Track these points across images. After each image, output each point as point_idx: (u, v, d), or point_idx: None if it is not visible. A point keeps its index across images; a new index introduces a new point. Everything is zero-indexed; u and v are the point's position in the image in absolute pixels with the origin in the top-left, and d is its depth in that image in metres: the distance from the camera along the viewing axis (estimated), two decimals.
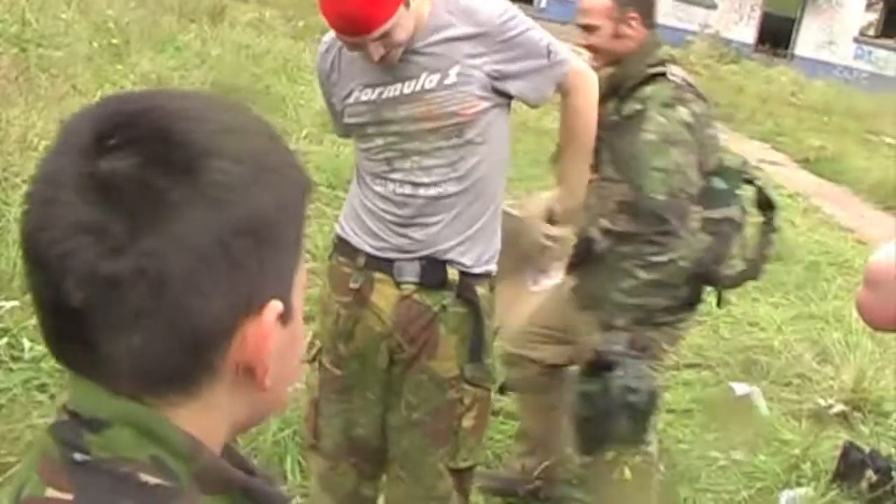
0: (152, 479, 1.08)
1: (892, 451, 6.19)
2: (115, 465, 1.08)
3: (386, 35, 3.09)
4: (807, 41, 41.70)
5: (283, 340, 1.16)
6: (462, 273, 3.44)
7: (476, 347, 3.51)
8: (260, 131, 1.16)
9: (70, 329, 1.07)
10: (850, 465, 5.83)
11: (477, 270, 3.48)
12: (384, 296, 3.45)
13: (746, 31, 41.11)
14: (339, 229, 3.62)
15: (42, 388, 4.88)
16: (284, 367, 1.20)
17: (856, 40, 41.90)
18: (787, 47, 41.46)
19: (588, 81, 3.52)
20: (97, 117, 1.09)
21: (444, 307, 3.45)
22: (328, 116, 3.73)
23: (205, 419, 1.14)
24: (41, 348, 4.97)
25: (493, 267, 3.56)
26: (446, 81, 3.28)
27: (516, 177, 10.38)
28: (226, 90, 11.17)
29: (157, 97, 1.14)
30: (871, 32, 42.37)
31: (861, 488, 5.64)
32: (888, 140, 22.03)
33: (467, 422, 3.57)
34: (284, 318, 1.16)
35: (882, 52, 41.58)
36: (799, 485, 5.74)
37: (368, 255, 3.50)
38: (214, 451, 1.16)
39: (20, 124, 8.02)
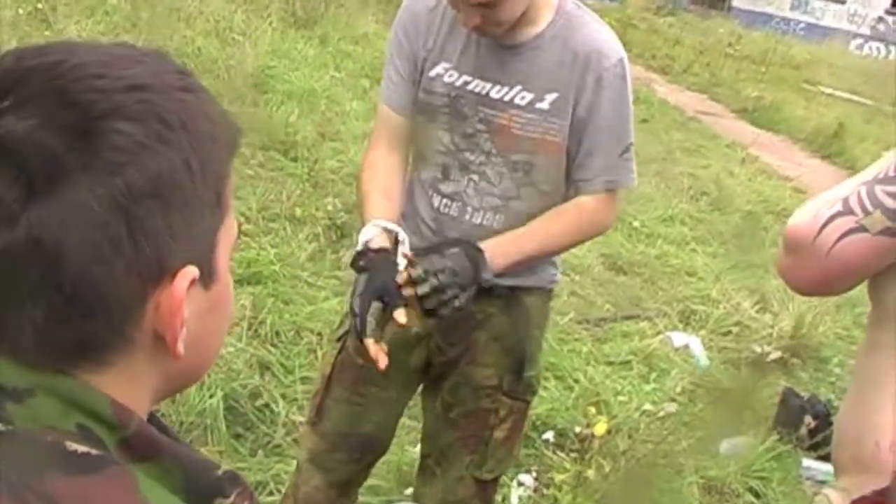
0: (80, 448, 1.02)
1: (832, 396, 6.22)
2: (40, 435, 1.02)
3: (490, 5, 2.83)
4: None
5: (203, 305, 1.12)
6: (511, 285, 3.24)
7: (519, 359, 3.31)
8: (170, 83, 1.08)
9: None
10: (789, 412, 5.86)
11: (528, 284, 3.28)
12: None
13: None
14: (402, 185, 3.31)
15: None
16: (206, 332, 1.16)
17: None
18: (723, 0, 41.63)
19: (611, 220, 3.20)
20: None
21: (488, 315, 3.24)
22: (384, 76, 3.28)
23: (126, 387, 1.09)
24: None
25: (548, 280, 3.34)
26: (539, 105, 3.03)
27: None
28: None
29: (58, 51, 1.06)
30: None
31: (801, 434, 5.66)
32: (825, 89, 22.20)
33: (499, 433, 3.37)
34: (205, 281, 1.11)
35: (818, 3, 41.88)
36: (739, 433, 5.75)
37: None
38: (139, 416, 1.10)
39: None
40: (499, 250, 2.98)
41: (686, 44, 25.07)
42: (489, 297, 3.14)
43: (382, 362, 2.84)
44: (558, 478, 4.48)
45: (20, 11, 11.38)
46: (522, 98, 3.00)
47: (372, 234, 2.99)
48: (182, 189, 1.06)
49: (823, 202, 2.07)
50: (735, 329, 7.30)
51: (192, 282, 1.08)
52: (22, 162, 0.97)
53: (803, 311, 7.16)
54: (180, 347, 1.09)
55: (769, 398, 6.10)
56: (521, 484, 4.79)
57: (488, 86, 3.03)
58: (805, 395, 6.03)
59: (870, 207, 1.98)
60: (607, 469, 4.60)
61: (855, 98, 22.04)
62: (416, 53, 3.13)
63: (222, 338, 1.24)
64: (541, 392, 5.66)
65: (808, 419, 5.64)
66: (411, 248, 2.98)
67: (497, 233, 3.05)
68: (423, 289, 2.85)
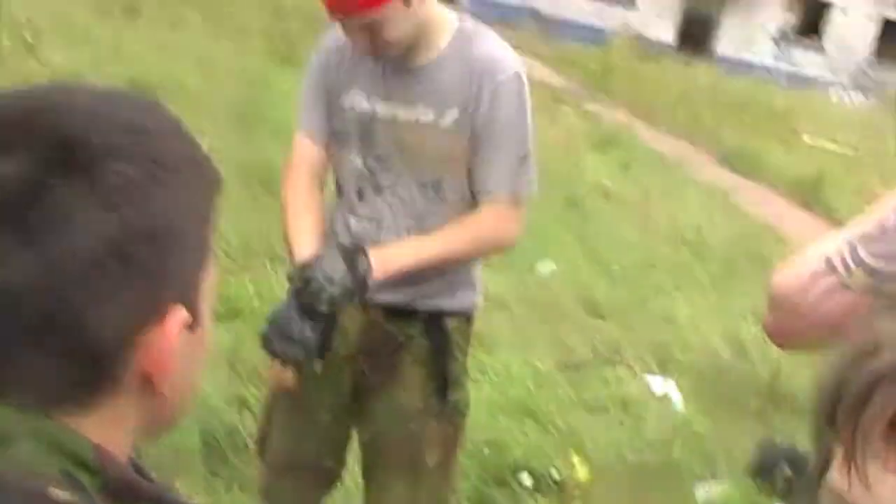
0: (62, 495, 1.01)
1: (808, 446, 6.21)
2: (24, 481, 1.01)
3: (374, 26, 2.94)
4: (727, 40, 42.22)
5: (188, 347, 1.11)
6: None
7: (443, 381, 3.35)
8: (163, 129, 1.10)
9: None
10: (765, 460, 5.85)
11: (449, 307, 3.34)
12: (352, 317, 3.27)
13: (667, 30, 41.47)
14: (321, 214, 3.40)
15: None
16: (189, 374, 1.16)
17: (775, 40, 42.45)
18: (707, 46, 41.89)
19: (514, 231, 3.24)
20: None
21: (410, 337, 3.30)
22: (298, 108, 3.40)
23: (109, 430, 1.08)
24: None
25: (469, 304, 3.40)
26: (441, 122, 3.13)
27: None
28: (141, 86, 11.05)
29: (54, 93, 1.08)
30: (791, 32, 42.95)
31: (777, 483, 5.65)
32: (806, 138, 22.29)
33: (430, 459, 3.41)
34: (191, 324, 1.11)
35: (800, 52, 42.20)
36: (715, 480, 5.74)
37: None
38: (121, 461, 1.10)
39: None
40: (389, 253, 3.08)
41: (669, 90, 25.19)
42: (410, 320, 3.27)
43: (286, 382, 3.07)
44: None
45: (6, 42, 11.40)
46: (427, 116, 3.12)
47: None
48: (174, 231, 1.06)
49: (808, 259, 2.07)
50: (713, 375, 7.30)
51: (183, 323, 1.08)
52: (18, 202, 0.97)
53: (781, 359, 7.16)
54: (167, 389, 1.10)
55: (746, 446, 6.09)
56: None
57: (395, 108, 3.15)
58: (782, 443, 6.02)
59: (852, 266, 1.98)
60: None
61: (835, 147, 22.15)
62: (328, 84, 3.27)
63: (199, 380, 1.23)
64: (518, 435, 5.68)
65: (784, 468, 5.62)
66: None
67: None
68: (295, 285, 2.99)
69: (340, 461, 3.57)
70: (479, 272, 3.44)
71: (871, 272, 1.96)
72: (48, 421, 1.04)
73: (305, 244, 3.18)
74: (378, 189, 3.24)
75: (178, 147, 1.10)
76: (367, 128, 3.20)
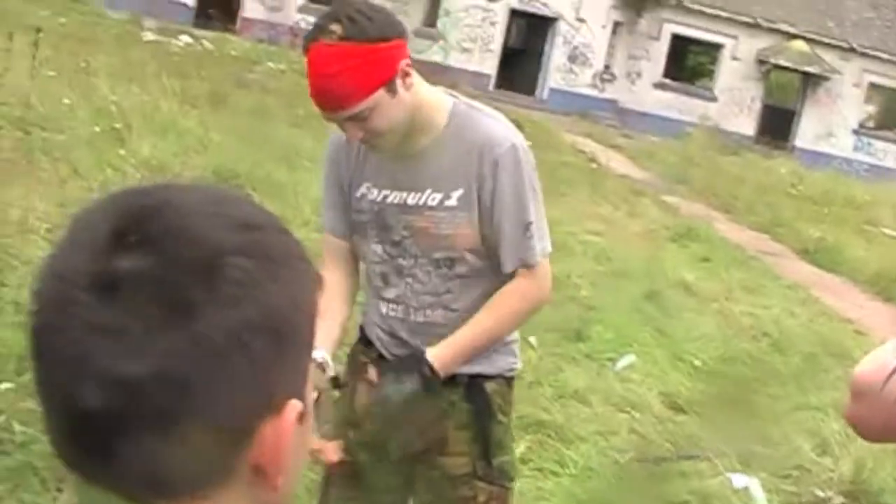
0: None
1: None
2: None
3: (361, 117, 3.04)
4: (806, 133, 42.04)
5: (297, 439, 1.12)
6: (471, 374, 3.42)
7: (487, 445, 3.45)
8: (271, 225, 1.12)
9: (83, 432, 1.03)
10: None
11: (487, 372, 3.46)
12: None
13: (747, 123, 41.37)
14: (361, 317, 3.60)
15: (35, 471, 4.85)
16: (297, 464, 1.17)
17: (854, 132, 42.23)
18: (787, 139, 41.71)
19: (540, 291, 3.39)
20: (111, 213, 1.06)
21: (452, 403, 3.41)
22: (322, 206, 3.60)
23: None
24: (33, 431, 4.95)
25: (507, 367, 3.53)
26: (447, 203, 3.25)
27: None
28: (226, 176, 11.21)
29: (169, 191, 1.11)
30: (870, 124, 42.71)
31: None
32: (886, 231, 22.07)
33: None
34: (301, 416, 1.12)
35: (881, 144, 41.92)
36: None
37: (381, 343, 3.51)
38: None
39: (20, 206, 8.05)
40: (445, 353, 3.26)
41: (748, 183, 25.08)
42: (451, 386, 3.36)
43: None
44: None
45: (97, 129, 11.61)
46: (433, 199, 3.25)
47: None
48: (291, 324, 1.09)
49: (889, 350, 2.11)
50: (795, 472, 7.22)
51: (298, 416, 1.10)
52: (146, 296, 1.00)
53: (864, 455, 7.08)
54: (281, 481, 1.10)
55: None
56: None
57: (404, 194, 3.28)
58: None
59: None
60: None
61: None
62: (341, 180, 3.42)
63: (301, 471, 1.24)
64: None
65: None
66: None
67: (440, 326, 3.33)
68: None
69: None
70: (515, 335, 3.55)
71: None
72: None
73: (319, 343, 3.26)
74: (400, 272, 3.38)
75: (286, 242, 1.12)
76: (380, 216, 3.34)
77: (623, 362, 9.01)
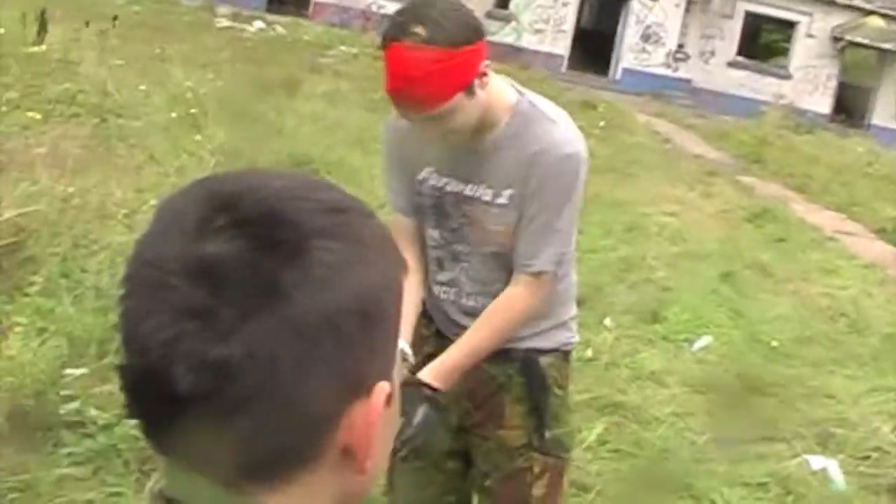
0: None
1: None
2: None
3: (440, 118, 3.07)
4: (883, 111, 41.50)
5: (385, 421, 1.13)
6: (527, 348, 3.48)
7: (542, 418, 3.53)
8: (356, 209, 1.13)
9: (173, 416, 1.04)
10: None
11: (543, 346, 3.53)
12: None
13: (822, 101, 40.94)
14: (423, 291, 3.62)
15: (118, 453, 4.91)
16: (384, 447, 1.18)
17: None
18: (862, 117, 41.23)
19: (536, 302, 3.40)
20: (199, 199, 1.08)
21: (509, 376, 3.49)
22: (385, 186, 3.67)
23: None
24: (108, 416, 5.02)
25: (562, 342, 3.60)
26: (498, 200, 3.31)
27: (589, 248, 10.39)
28: (301, 161, 11.27)
29: (255, 177, 1.12)
30: None
31: None
32: None
33: (538, 490, 3.57)
34: (388, 398, 1.13)
35: None
36: None
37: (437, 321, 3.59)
38: None
39: (99, 192, 8.14)
40: (443, 367, 3.30)
41: (823, 162, 24.84)
42: (507, 361, 3.46)
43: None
44: None
45: (172, 115, 11.71)
46: (487, 195, 3.31)
47: None
48: (380, 307, 1.10)
49: None
50: (874, 454, 7.17)
51: (387, 398, 1.11)
52: (236, 280, 1.01)
53: None
54: (369, 463, 1.11)
55: None
56: None
57: (462, 185, 3.34)
58: None
59: None
60: None
61: None
62: (403, 160, 3.45)
63: (388, 454, 1.24)
64: None
65: None
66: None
67: (479, 313, 3.38)
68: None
69: (464, 500, 3.78)
70: (572, 310, 3.64)
71: None
72: (242, 498, 1.06)
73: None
74: (455, 258, 3.46)
75: (372, 226, 1.13)
76: (439, 203, 3.40)
77: (699, 343, 9.00)
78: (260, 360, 1.01)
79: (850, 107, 41.22)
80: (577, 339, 3.70)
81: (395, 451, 3.67)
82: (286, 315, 1.01)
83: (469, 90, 3.07)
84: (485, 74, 3.12)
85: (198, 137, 11.16)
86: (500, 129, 3.27)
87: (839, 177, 22.58)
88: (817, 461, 6.80)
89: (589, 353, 8.02)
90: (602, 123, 23.16)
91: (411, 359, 3.27)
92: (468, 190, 3.33)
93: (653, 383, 7.83)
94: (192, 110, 12.09)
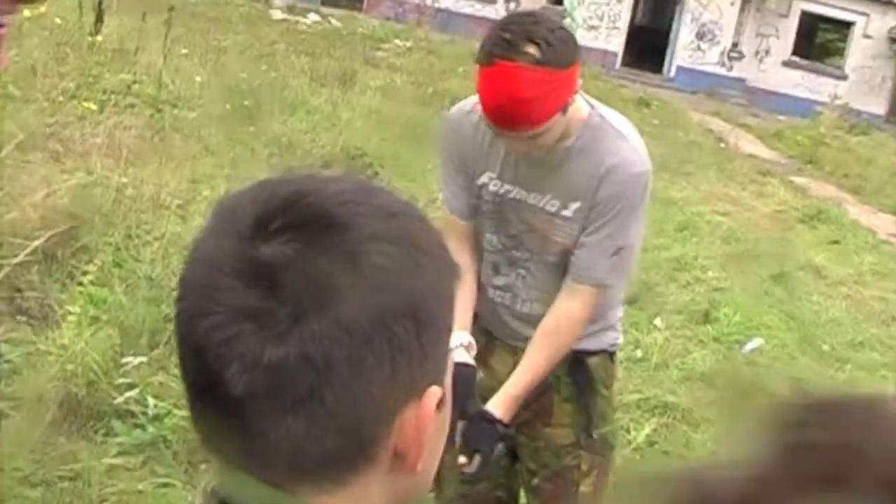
0: None
1: None
2: None
3: (534, 136, 3.08)
4: None
5: (436, 426, 1.15)
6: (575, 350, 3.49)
7: (590, 417, 3.57)
8: (411, 214, 1.15)
9: (227, 415, 1.06)
10: None
11: (591, 348, 3.55)
12: (502, 361, 3.51)
13: (877, 102, 40.60)
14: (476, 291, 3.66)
15: (167, 444, 4.93)
16: (436, 451, 1.19)
17: None
18: None
19: (587, 315, 3.41)
20: (255, 200, 1.09)
21: (557, 377, 3.50)
22: (441, 185, 3.66)
23: None
24: (165, 405, 5.04)
25: (609, 343, 3.64)
26: (564, 213, 3.31)
27: (643, 244, 10.35)
28: (354, 154, 11.28)
29: (310, 181, 1.14)
30: None
31: None
32: None
33: (585, 487, 3.62)
34: (440, 403, 1.14)
35: None
36: None
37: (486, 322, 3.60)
38: None
39: (153, 183, 8.18)
40: (506, 399, 3.31)
41: (879, 164, 24.61)
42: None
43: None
44: None
45: (227, 107, 11.75)
46: (552, 206, 3.31)
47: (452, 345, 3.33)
48: (432, 311, 1.11)
49: None
50: None
51: (438, 402, 1.12)
52: (291, 282, 1.03)
53: None
54: (420, 466, 1.13)
55: None
56: None
57: (525, 194, 3.33)
58: None
59: None
60: None
61: None
62: (463, 161, 3.43)
63: (439, 457, 1.26)
64: None
65: None
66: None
67: (542, 316, 3.38)
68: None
69: (513, 495, 3.83)
70: (619, 312, 3.68)
71: None
72: (292, 498, 1.08)
73: (460, 324, 3.40)
74: (513, 263, 3.47)
75: (427, 230, 1.15)
76: (499, 209, 3.40)
77: (750, 345, 8.95)
78: (314, 362, 1.03)
79: None
80: (622, 339, 3.74)
81: (463, 482, 3.72)
82: (340, 317, 1.03)
83: (565, 108, 3.08)
84: (576, 92, 3.14)
85: (251, 129, 11.20)
86: (571, 142, 3.26)
87: (894, 179, 22.37)
88: None
89: (639, 353, 8.01)
90: (656, 122, 23.07)
91: (474, 350, 3.33)
92: (532, 199, 3.33)
93: (703, 384, 7.78)
94: (247, 102, 12.12)
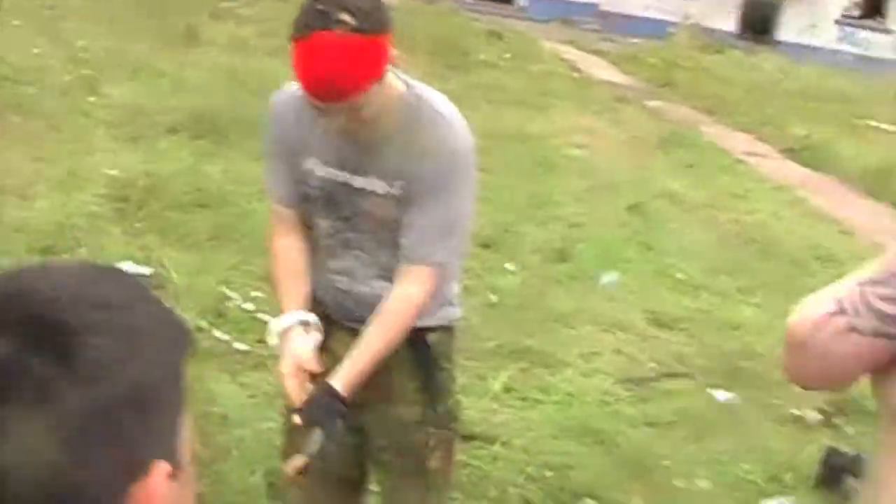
0: None
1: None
2: None
3: (354, 108, 3.06)
4: (789, 26, 41.69)
5: (173, 495, 1.16)
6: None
7: (433, 393, 3.61)
8: (133, 298, 1.17)
9: None
10: (831, 471, 5.81)
11: (429, 325, 3.55)
12: (343, 344, 3.46)
13: (728, 19, 41.03)
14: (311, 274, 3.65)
15: None
16: None
17: (838, 22, 41.94)
18: (769, 33, 41.40)
19: (428, 295, 3.41)
20: None
21: (398, 355, 3.47)
22: (265, 173, 3.63)
23: None
24: None
25: (448, 318, 3.66)
26: (391, 192, 3.30)
27: (496, 186, 10.38)
28: (204, 118, 11.13)
29: (27, 277, 1.16)
30: (854, 14, 42.42)
31: (844, 494, 5.60)
32: (875, 124, 21.93)
33: (434, 462, 3.68)
34: (174, 473, 1.16)
35: (865, 34, 41.64)
36: (782, 492, 5.72)
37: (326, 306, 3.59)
38: None
39: None
40: (348, 374, 3.30)
41: (733, 82, 24.92)
42: None
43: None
44: None
45: (67, 77, 11.53)
46: (379, 187, 3.32)
47: (286, 325, 3.38)
48: (153, 393, 1.13)
49: (822, 301, 2.14)
50: (780, 386, 7.22)
51: (167, 475, 1.14)
52: (5, 383, 1.04)
53: None
54: None
55: (813, 457, 6.06)
56: None
57: (351, 176, 3.33)
58: (850, 452, 5.94)
59: (862, 309, 2.06)
60: None
61: None
62: (288, 148, 3.42)
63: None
64: (581, 458, 5.69)
65: (850, 479, 5.58)
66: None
67: (382, 297, 3.37)
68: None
69: (363, 470, 3.86)
70: (455, 289, 3.68)
71: (879, 315, 2.03)
72: None
73: (296, 304, 3.45)
74: (347, 246, 3.47)
75: (149, 313, 1.17)
76: (327, 192, 3.39)
77: (607, 280, 9.02)
78: (33, 464, 1.04)
79: (756, 23, 41.35)
80: (460, 313, 3.74)
81: (287, 425, 3.71)
82: (56, 415, 1.04)
83: (382, 78, 3.08)
84: (392, 64, 3.14)
85: (92, 99, 11.00)
86: (388, 120, 3.25)
87: (749, 97, 22.69)
88: (724, 396, 6.87)
89: (494, 298, 8.04)
90: (508, 55, 23.10)
91: (318, 338, 3.38)
92: (357, 182, 3.32)
93: (560, 325, 7.85)
94: (88, 71, 11.89)
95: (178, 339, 1.20)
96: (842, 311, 2.08)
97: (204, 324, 6.34)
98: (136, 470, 1.11)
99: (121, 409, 1.08)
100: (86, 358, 1.06)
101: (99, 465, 1.07)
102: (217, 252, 7.55)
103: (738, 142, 18.04)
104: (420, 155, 3.24)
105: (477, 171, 3.40)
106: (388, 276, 3.40)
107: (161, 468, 1.13)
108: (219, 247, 7.76)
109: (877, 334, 2.05)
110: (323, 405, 3.27)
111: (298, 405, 3.27)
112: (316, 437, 3.26)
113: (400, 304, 3.36)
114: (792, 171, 16.08)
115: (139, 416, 1.10)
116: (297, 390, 3.28)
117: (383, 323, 3.35)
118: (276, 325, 3.41)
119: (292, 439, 3.69)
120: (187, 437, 1.22)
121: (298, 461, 3.29)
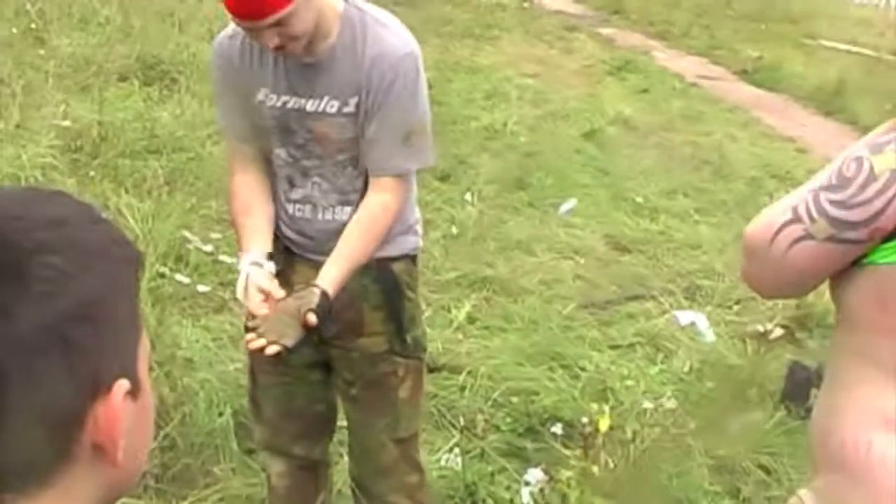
0: None
1: None
2: None
3: (282, 23, 3.03)
4: None
5: (133, 414, 1.17)
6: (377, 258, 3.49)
7: (400, 322, 3.60)
8: (81, 216, 1.17)
9: None
10: (795, 385, 5.86)
11: (393, 254, 3.56)
12: (303, 276, 3.47)
13: None
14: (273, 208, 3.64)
15: None
16: (137, 439, 1.21)
17: None
18: None
19: (401, 202, 3.46)
20: None
21: (364, 286, 3.50)
22: (216, 111, 3.64)
23: None
24: None
25: (411, 247, 3.65)
26: (345, 110, 3.30)
27: (450, 119, 10.36)
28: (151, 63, 11.05)
29: None
30: None
31: (809, 407, 5.64)
32: (824, 42, 21.96)
33: (403, 392, 3.68)
34: (133, 392, 1.17)
35: None
36: (748, 408, 5.76)
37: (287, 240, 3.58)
38: None
39: None
40: (329, 277, 3.27)
41: (684, 6, 24.78)
42: (361, 271, 3.43)
43: (270, 349, 3.16)
44: (565, 474, 4.50)
45: (14, 31, 11.39)
46: (332, 107, 3.31)
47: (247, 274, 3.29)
48: (107, 309, 1.13)
49: (778, 209, 2.18)
50: (741, 303, 7.28)
51: (126, 393, 1.14)
52: None
53: None
54: (121, 456, 1.14)
55: (777, 372, 6.10)
56: (527, 483, 4.82)
57: (302, 101, 3.33)
58: (812, 365, 5.99)
59: (815, 215, 2.09)
60: (612, 464, 4.62)
61: (855, 49, 21.79)
62: (236, 84, 3.41)
63: (149, 441, 1.30)
64: (546, 383, 5.73)
65: (814, 392, 5.62)
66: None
67: (345, 223, 3.39)
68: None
69: (331, 406, 3.87)
70: (416, 214, 3.69)
71: (832, 221, 2.05)
72: None
73: (252, 243, 3.39)
74: (305, 174, 3.47)
75: (98, 232, 1.17)
76: (281, 121, 3.38)
77: (565, 207, 9.05)
78: None
79: None
80: (421, 242, 3.75)
81: (252, 368, 3.70)
82: (11, 333, 1.05)
83: None
84: None
85: (41, 51, 10.87)
86: (333, 40, 3.26)
87: (700, 20, 22.63)
88: (685, 316, 6.90)
89: (454, 229, 8.05)
90: None
91: (272, 268, 3.33)
92: (310, 105, 3.31)
93: (521, 253, 7.90)
94: (33, 24, 11.73)
95: (128, 257, 1.20)
96: (797, 219, 2.11)
97: (165, 269, 6.31)
98: (95, 388, 1.11)
99: (75, 325, 1.08)
100: (37, 276, 1.07)
101: (55, 382, 1.07)
102: (173, 197, 7.49)
103: (690, 65, 18.06)
104: (370, 66, 3.24)
105: (430, 98, 3.41)
106: (349, 200, 3.42)
107: (120, 386, 1.13)
108: (174, 191, 7.71)
109: (830, 240, 2.08)
110: (323, 306, 3.25)
111: (260, 318, 3.23)
112: (300, 332, 3.21)
113: (376, 208, 3.37)
114: (745, 93, 16.13)
115: (94, 333, 1.10)
116: (259, 305, 3.24)
117: (361, 226, 3.36)
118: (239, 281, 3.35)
119: (258, 381, 3.74)
120: (144, 357, 1.22)
121: (274, 348, 3.27)
